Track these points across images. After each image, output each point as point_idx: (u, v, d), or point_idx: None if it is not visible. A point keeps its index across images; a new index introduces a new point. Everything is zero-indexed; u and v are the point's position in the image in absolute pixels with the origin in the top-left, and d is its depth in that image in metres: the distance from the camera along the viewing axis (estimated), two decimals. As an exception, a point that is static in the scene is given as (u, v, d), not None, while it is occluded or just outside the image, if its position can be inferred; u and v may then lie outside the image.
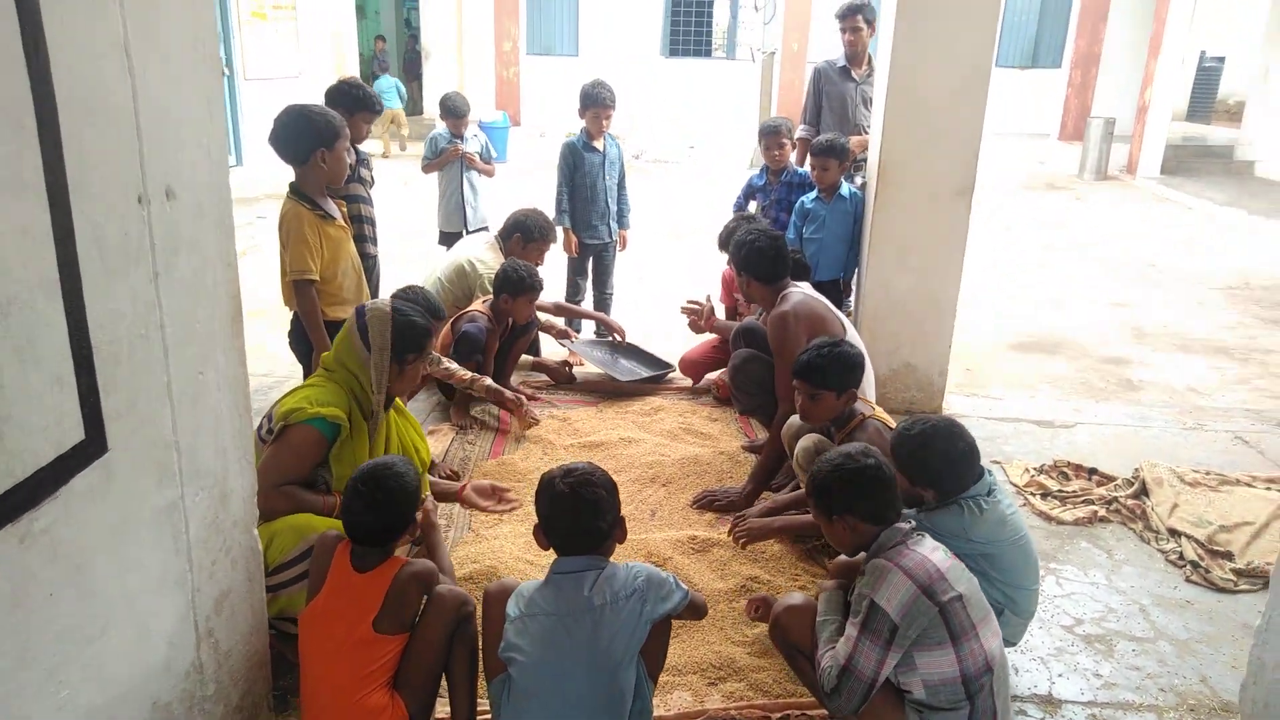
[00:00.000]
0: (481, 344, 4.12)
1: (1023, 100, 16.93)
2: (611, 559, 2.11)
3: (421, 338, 2.70)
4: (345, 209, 3.72)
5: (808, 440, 3.07)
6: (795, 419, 3.18)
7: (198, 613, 1.93)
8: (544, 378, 4.79)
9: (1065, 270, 8.29)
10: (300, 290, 3.40)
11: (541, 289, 4.33)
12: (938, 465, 2.36)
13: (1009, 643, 2.41)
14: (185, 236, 1.81)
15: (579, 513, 2.04)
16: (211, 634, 1.98)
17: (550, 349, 5.10)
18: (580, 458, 3.83)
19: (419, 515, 2.31)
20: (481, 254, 4.71)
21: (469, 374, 3.95)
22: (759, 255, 3.54)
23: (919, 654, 1.95)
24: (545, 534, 2.11)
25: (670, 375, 4.84)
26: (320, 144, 3.39)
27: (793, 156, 5.13)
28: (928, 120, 4.13)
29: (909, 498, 2.39)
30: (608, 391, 4.58)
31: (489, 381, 3.98)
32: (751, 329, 4.05)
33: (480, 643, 2.18)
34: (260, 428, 2.54)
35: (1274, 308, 7.11)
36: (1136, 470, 3.79)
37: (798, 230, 4.76)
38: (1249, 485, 3.77)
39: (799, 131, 5.38)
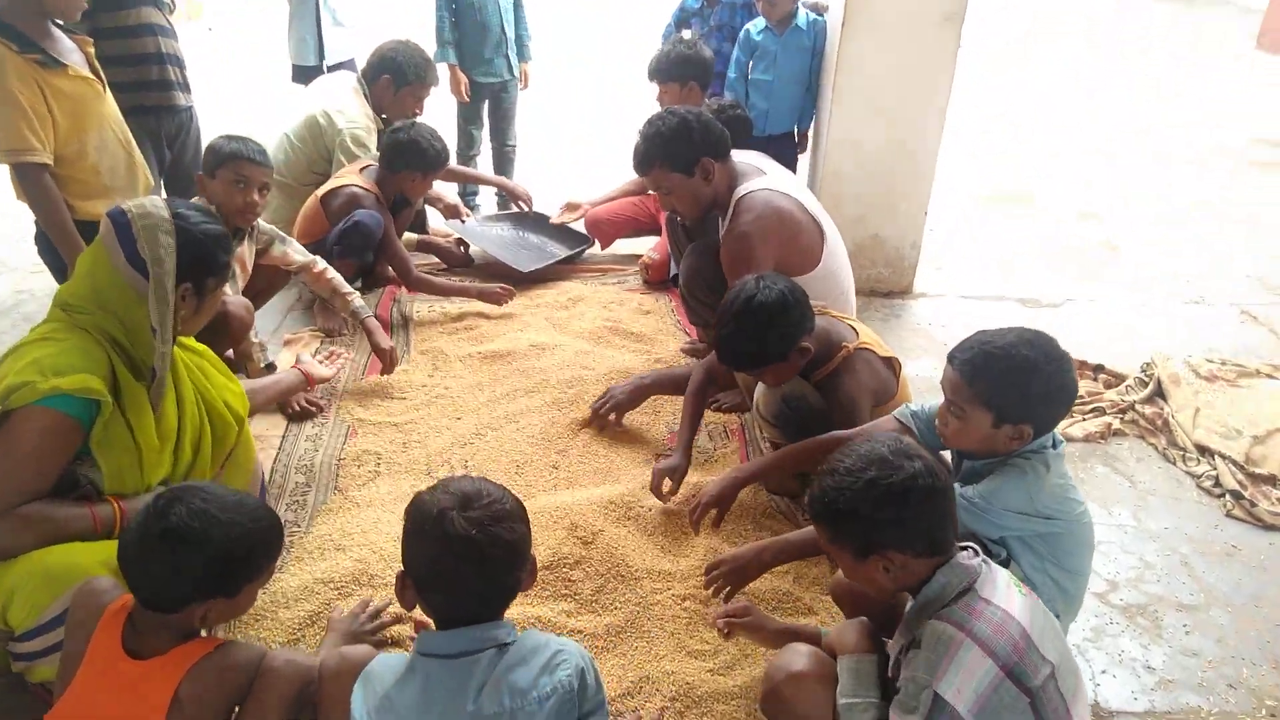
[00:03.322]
0: (377, 238, 3.16)
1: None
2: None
3: (225, 250, 1.85)
4: (92, 48, 2.59)
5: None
6: None
7: None
8: (435, 260, 3.87)
9: (1017, 106, 7.55)
10: (26, 177, 2.40)
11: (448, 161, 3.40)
12: (1041, 390, 1.64)
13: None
14: None
15: (483, 568, 1.29)
16: None
17: (440, 221, 4.12)
18: (480, 371, 3.04)
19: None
20: (341, 102, 3.65)
21: (353, 296, 2.98)
22: (671, 138, 2.54)
23: None
24: (419, 592, 1.35)
25: (588, 251, 4.00)
26: None
27: None
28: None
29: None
30: (514, 278, 3.69)
31: (370, 319, 2.94)
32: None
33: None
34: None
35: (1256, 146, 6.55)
36: (1148, 366, 3.20)
37: (742, 68, 3.84)
38: (1270, 377, 3.23)
39: None
